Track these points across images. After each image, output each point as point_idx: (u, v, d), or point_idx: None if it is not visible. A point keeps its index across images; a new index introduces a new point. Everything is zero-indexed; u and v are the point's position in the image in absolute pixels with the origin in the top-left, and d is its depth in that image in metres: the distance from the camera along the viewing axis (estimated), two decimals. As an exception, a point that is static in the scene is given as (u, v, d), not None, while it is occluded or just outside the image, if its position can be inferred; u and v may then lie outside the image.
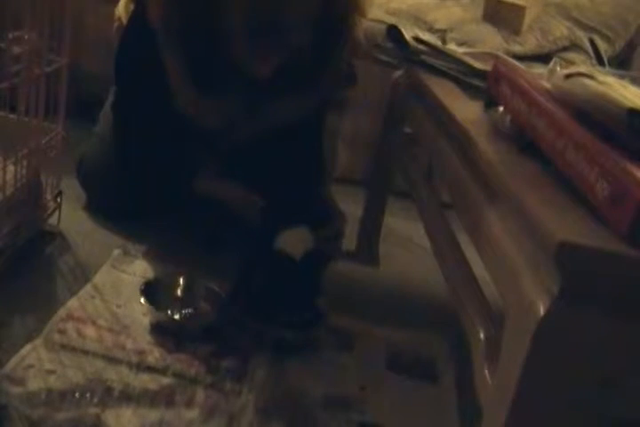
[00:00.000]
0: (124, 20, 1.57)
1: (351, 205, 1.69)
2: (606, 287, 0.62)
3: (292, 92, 1.44)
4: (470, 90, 1.27)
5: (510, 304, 0.70)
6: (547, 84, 0.94)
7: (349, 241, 1.63)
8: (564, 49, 2.40)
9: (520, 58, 2.02)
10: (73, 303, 1.19)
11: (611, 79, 0.87)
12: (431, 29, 2.33)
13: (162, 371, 1.07)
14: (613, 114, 0.76)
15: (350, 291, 1.46)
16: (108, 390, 0.99)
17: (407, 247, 1.73)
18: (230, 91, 1.41)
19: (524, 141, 0.91)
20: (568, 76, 0.89)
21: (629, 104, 0.76)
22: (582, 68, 0.99)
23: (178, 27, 1.32)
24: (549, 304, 0.62)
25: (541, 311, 0.63)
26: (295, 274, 1.24)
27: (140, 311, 1.20)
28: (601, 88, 0.81)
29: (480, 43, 2.33)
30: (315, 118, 1.57)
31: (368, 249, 1.66)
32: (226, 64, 1.36)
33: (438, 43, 1.80)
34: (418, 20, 2.33)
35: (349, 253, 1.63)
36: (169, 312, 1.22)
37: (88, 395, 0.97)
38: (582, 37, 2.36)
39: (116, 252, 1.40)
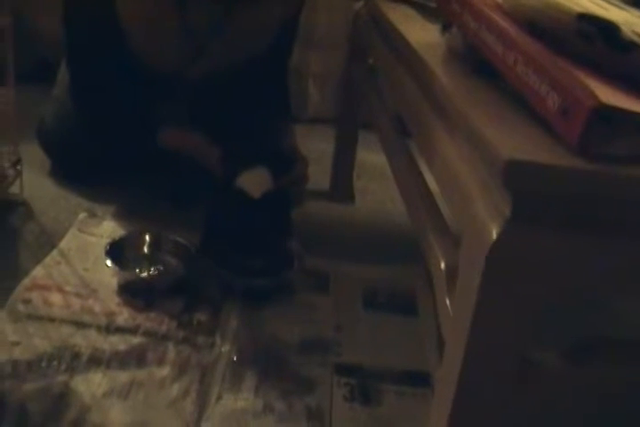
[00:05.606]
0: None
1: (325, 145, 1.64)
2: (558, 204, 0.59)
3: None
4: (429, 13, 1.22)
5: (464, 230, 0.67)
6: (498, -1, 0.89)
7: (324, 181, 1.60)
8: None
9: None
10: (38, 271, 1.16)
11: (562, -15, 0.82)
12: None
13: (132, 331, 1.05)
14: (563, 21, 0.72)
15: (326, 231, 1.43)
16: (77, 355, 0.97)
17: (381, 181, 1.68)
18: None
19: (476, 61, 0.87)
20: (517, -13, 0.84)
21: (579, 9, 0.71)
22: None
23: None
24: (501, 227, 0.59)
25: (494, 235, 0.59)
26: (254, 213, 1.21)
27: (108, 273, 1.17)
28: (550, -5, 0.77)
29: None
30: (278, 57, 1.51)
31: (343, 186, 1.62)
32: None
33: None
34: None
35: (324, 193, 1.60)
36: (137, 271, 1.19)
37: (55, 363, 0.95)
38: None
39: (82, 215, 1.37)
